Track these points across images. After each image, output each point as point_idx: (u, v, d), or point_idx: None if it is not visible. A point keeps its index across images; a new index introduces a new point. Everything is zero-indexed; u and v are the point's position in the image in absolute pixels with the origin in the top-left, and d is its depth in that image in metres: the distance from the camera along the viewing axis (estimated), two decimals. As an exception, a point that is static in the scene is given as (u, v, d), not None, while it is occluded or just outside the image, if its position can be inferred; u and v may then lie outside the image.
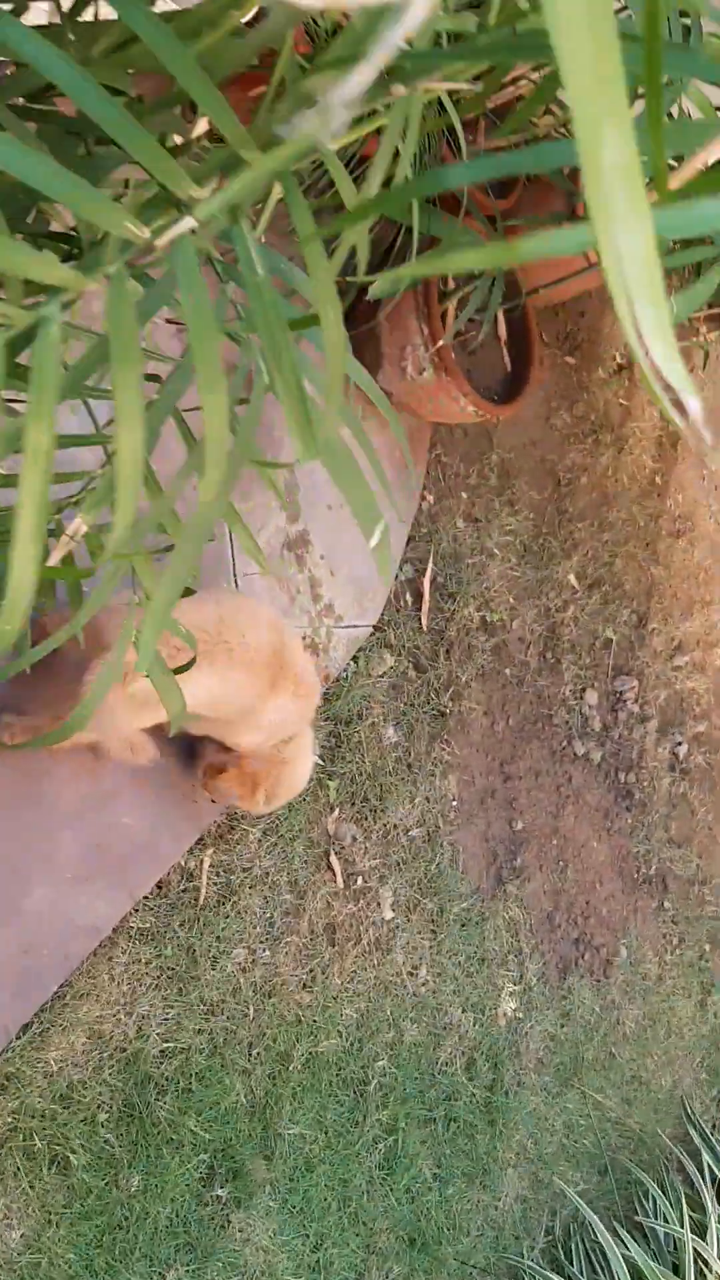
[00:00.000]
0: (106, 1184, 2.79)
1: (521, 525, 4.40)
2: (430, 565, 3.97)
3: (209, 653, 2.44)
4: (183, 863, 3.04)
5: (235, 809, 3.10)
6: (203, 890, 3.08)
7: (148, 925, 2.94)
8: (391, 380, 3.46)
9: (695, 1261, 3.82)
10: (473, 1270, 3.67)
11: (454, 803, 3.97)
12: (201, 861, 3.08)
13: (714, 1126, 4.83)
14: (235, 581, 3.20)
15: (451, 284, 3.43)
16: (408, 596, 3.90)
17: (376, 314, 3.41)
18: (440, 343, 3.17)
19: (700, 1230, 4.07)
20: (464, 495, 4.18)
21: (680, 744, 5.05)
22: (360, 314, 3.52)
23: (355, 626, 3.61)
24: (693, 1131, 4.63)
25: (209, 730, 2.83)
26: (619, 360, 5.13)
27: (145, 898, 2.94)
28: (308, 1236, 3.23)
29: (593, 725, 4.62)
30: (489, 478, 4.30)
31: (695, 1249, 3.83)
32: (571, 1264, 3.94)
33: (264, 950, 3.24)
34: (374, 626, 3.72)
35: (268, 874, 3.28)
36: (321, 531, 3.51)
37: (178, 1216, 2.92)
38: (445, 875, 3.85)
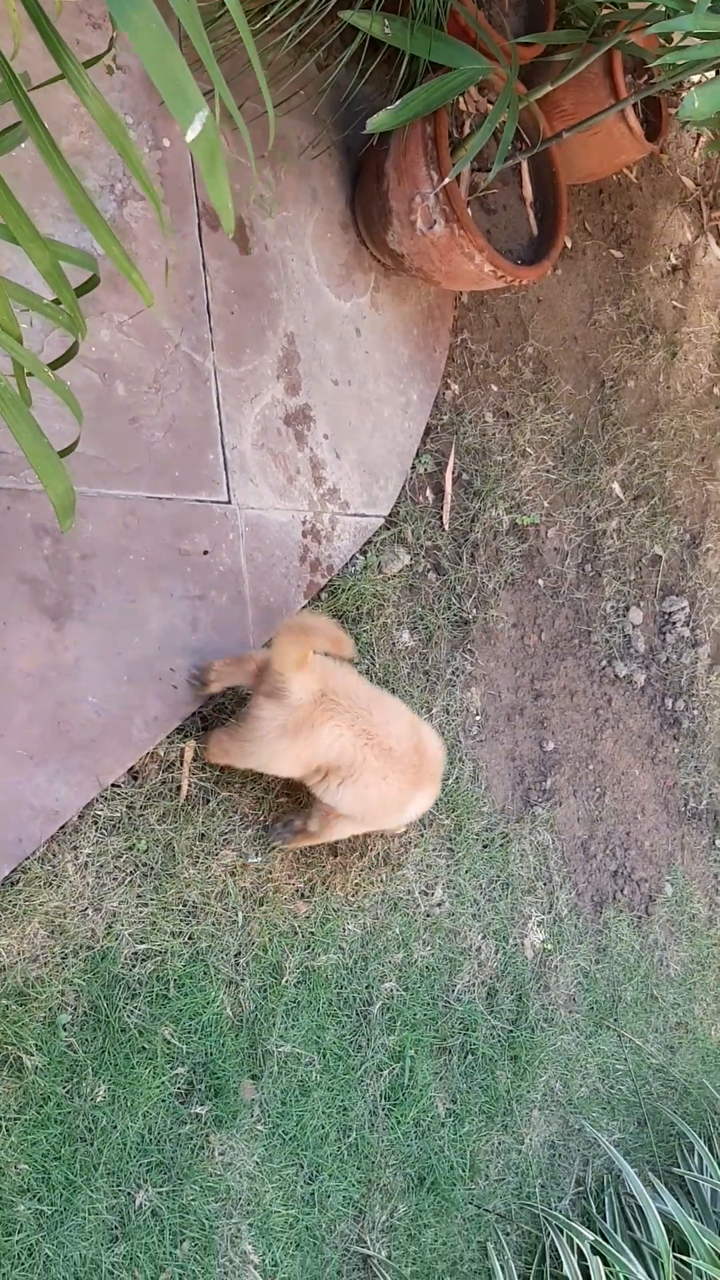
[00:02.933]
0: (67, 1091, 2.56)
1: (559, 424, 4.07)
2: (453, 459, 3.67)
3: (360, 728, 2.64)
4: (161, 753, 2.80)
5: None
6: (184, 784, 2.83)
7: (118, 815, 2.70)
8: (402, 239, 3.16)
9: (741, 1220, 3.49)
10: (490, 1216, 3.39)
11: (477, 717, 3.67)
12: (183, 752, 2.83)
13: (770, 1084, 4.47)
14: (223, 454, 2.94)
15: (466, 129, 3.12)
16: (428, 492, 3.61)
17: (385, 167, 3.11)
18: (447, 179, 2.86)
19: (747, 1187, 3.73)
20: (494, 388, 3.86)
21: (737, 673, 4.67)
22: (369, 171, 3.23)
23: (363, 515, 3.32)
24: (743, 1085, 4.28)
25: (358, 828, 2.94)
26: (673, 260, 4.76)
27: (115, 786, 2.70)
28: (301, 1166, 2.97)
29: (636, 646, 4.28)
30: (523, 371, 3.97)
31: (740, 1206, 3.50)
32: (604, 1218, 3.63)
33: (255, 855, 2.99)
34: (386, 519, 3.43)
35: (260, 776, 3.02)
36: (325, 409, 3.24)
37: (150, 1133, 2.69)
38: (465, 791, 3.55)
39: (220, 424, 2.93)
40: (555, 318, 4.14)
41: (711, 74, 3.14)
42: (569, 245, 4.23)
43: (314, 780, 2.73)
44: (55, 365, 1.82)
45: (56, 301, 1.60)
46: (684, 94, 2.33)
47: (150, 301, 1.38)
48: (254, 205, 3.12)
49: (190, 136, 1.03)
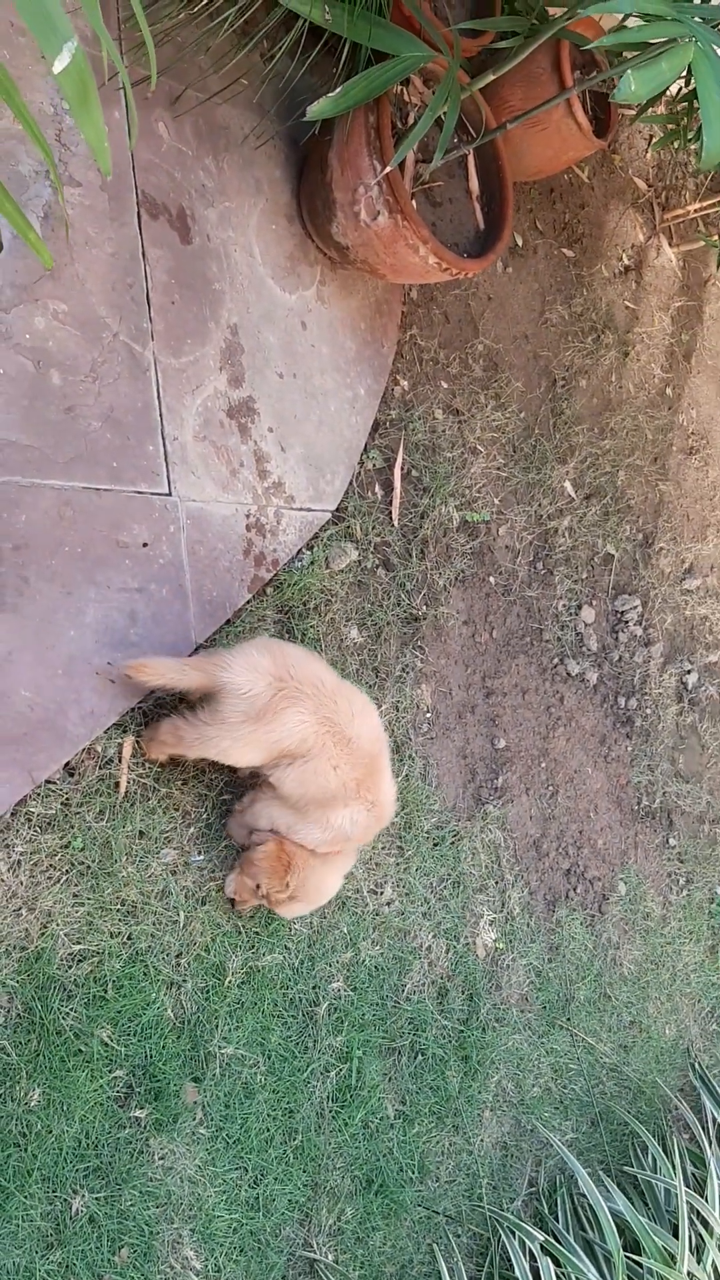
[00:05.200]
0: (0, 1096, 2.50)
1: (510, 422, 4.05)
2: (401, 454, 3.64)
3: (323, 715, 2.62)
4: (99, 749, 2.75)
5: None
6: (123, 781, 2.78)
7: (53, 812, 2.64)
8: (346, 230, 3.13)
9: (693, 1220, 3.46)
10: (440, 1218, 3.34)
11: (427, 714, 3.64)
12: (121, 748, 2.78)
13: (725, 1083, 4.46)
14: (164, 445, 2.90)
15: (411, 120, 3.10)
16: (376, 487, 3.58)
17: (328, 158, 3.08)
18: (389, 168, 2.84)
19: (699, 1186, 3.71)
20: (444, 384, 3.84)
21: (689, 672, 4.67)
22: (313, 161, 3.20)
23: (310, 510, 3.29)
24: (697, 1083, 4.26)
25: (284, 816, 2.80)
26: (625, 261, 4.77)
27: (50, 782, 2.64)
28: (245, 1170, 2.92)
29: (589, 644, 4.26)
30: (473, 368, 3.96)
31: (692, 1205, 3.47)
32: (556, 1219, 3.60)
33: (198, 854, 2.94)
34: (333, 514, 3.40)
35: (204, 771, 2.97)
36: (270, 401, 3.20)
37: (87, 1137, 2.63)
38: (415, 789, 3.52)
39: (160, 415, 2.89)
40: (506, 315, 4.12)
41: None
42: (520, 243, 4.22)
43: (270, 766, 2.71)
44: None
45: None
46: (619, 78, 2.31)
47: (49, 264, 1.34)
48: (195, 195, 3.08)
49: (58, 68, 0.98)
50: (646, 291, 4.89)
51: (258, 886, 2.78)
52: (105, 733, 2.74)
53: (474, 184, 3.31)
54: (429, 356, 3.80)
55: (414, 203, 3.09)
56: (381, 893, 3.38)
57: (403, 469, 3.64)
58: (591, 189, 4.64)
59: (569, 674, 4.16)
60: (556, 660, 4.13)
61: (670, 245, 4.94)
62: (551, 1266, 3.17)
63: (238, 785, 3.00)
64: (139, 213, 2.89)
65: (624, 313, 4.71)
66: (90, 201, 2.79)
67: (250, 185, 3.20)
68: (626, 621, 4.44)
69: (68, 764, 2.67)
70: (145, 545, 2.83)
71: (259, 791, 2.82)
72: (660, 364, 4.86)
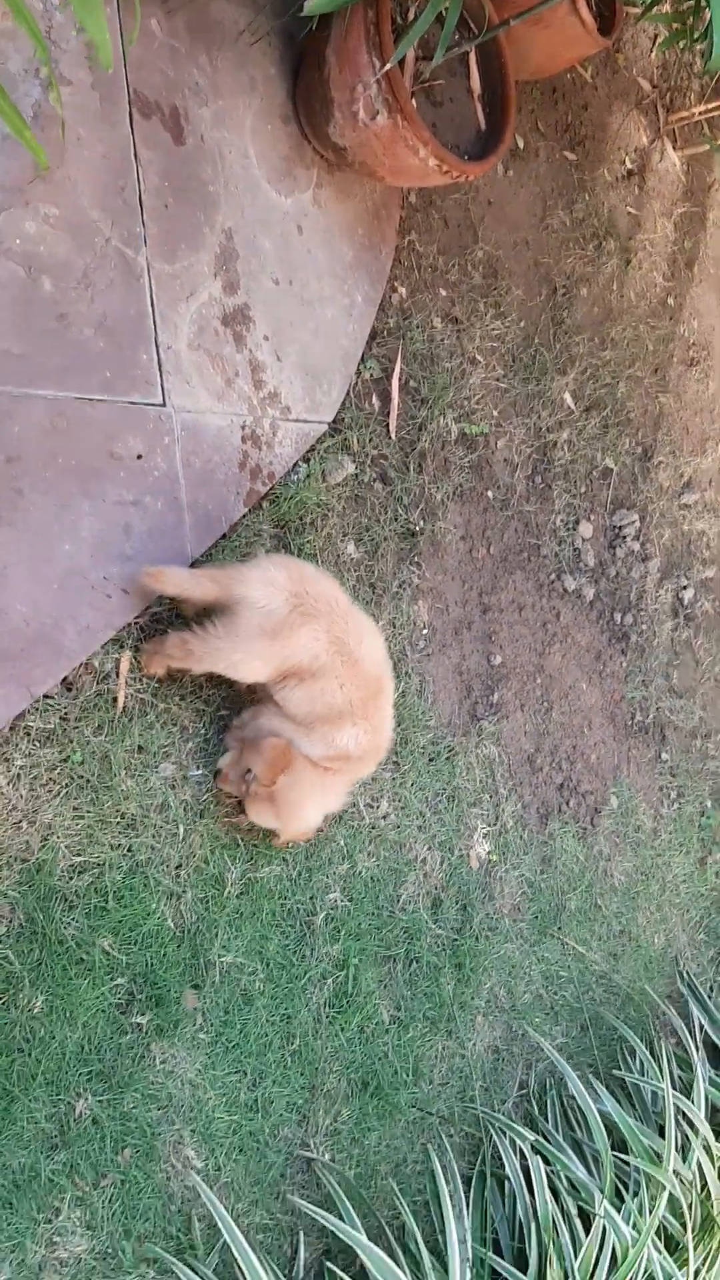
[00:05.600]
0: (3, 1003, 2.54)
1: (509, 331, 3.97)
2: (399, 364, 3.57)
3: (335, 634, 2.63)
4: (96, 664, 2.74)
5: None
6: (121, 696, 2.77)
7: (51, 727, 2.64)
8: (344, 131, 3.03)
9: (679, 1121, 3.57)
10: (434, 1118, 3.44)
11: (424, 631, 3.63)
12: (119, 663, 2.77)
13: (712, 989, 4.56)
14: (157, 354, 2.83)
15: (411, 16, 2.98)
16: (373, 398, 3.52)
17: (326, 54, 2.97)
18: (389, 65, 2.73)
19: (686, 1089, 3.82)
20: (442, 292, 3.76)
21: (685, 588, 4.66)
22: (310, 59, 3.08)
23: (306, 421, 3.24)
24: (685, 990, 4.36)
25: (285, 731, 2.79)
26: (628, 165, 4.63)
27: (48, 697, 2.64)
28: (244, 1073, 2.99)
29: (586, 560, 4.24)
30: (472, 275, 3.86)
31: (679, 1106, 3.57)
32: (545, 1119, 3.70)
33: (196, 768, 2.95)
34: (330, 425, 3.34)
35: (201, 687, 2.97)
36: (265, 309, 3.12)
37: (90, 1043, 2.68)
38: (411, 705, 3.53)
39: (154, 323, 2.82)
40: (506, 221, 4.02)
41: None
42: (521, 146, 4.09)
43: (276, 682, 2.70)
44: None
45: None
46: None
47: (45, 165, 1.29)
48: (188, 94, 2.97)
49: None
50: (649, 197, 4.76)
51: (248, 772, 2.77)
52: (102, 648, 2.72)
53: (475, 83, 3.19)
54: (427, 263, 3.71)
55: (414, 102, 2.99)
56: (377, 807, 3.41)
57: (400, 379, 3.57)
58: (595, 90, 4.49)
59: (566, 590, 4.15)
60: (554, 576, 4.11)
61: (674, 149, 4.80)
62: (541, 1165, 3.27)
63: (236, 701, 3.00)
64: (131, 112, 2.79)
65: (626, 219, 4.59)
66: (81, 100, 2.69)
67: (245, 84, 3.08)
68: (624, 537, 4.42)
69: (65, 679, 2.66)
70: (140, 457, 2.78)
71: (259, 707, 2.82)
72: (662, 272, 4.75)
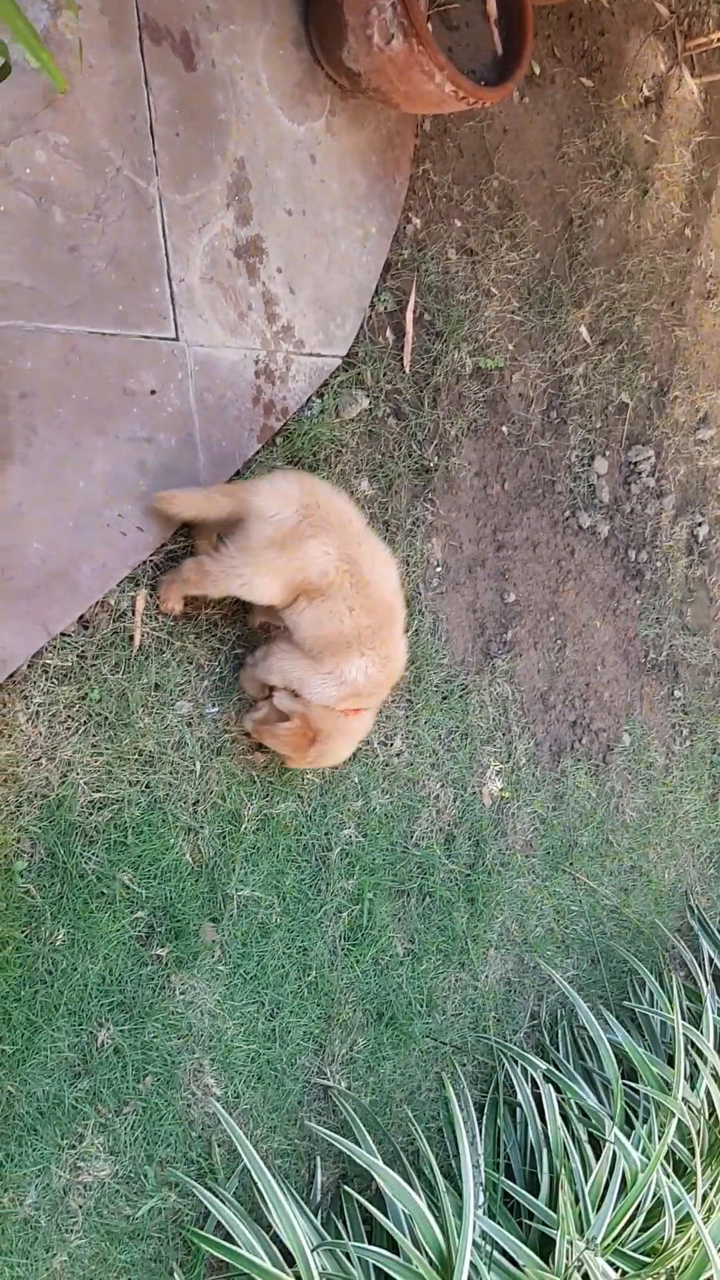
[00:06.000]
0: (26, 936, 2.58)
1: (525, 263, 3.90)
2: (414, 297, 3.52)
3: (346, 552, 2.63)
4: (112, 601, 2.74)
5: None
6: (137, 634, 2.78)
7: (69, 665, 2.65)
8: (358, 56, 2.95)
9: (688, 1050, 3.62)
10: (447, 1048, 3.50)
11: (438, 569, 3.62)
12: (134, 601, 2.77)
13: (721, 924, 4.62)
14: (170, 287, 2.79)
15: (427, -70, 2.89)
16: (388, 332, 3.47)
17: (340, -27, 2.89)
18: (404, -15, 2.66)
19: (695, 1020, 3.87)
20: (457, 223, 3.69)
21: (700, 524, 4.63)
22: (323, -22, 3.00)
23: (319, 355, 3.20)
24: (695, 924, 4.41)
25: (297, 668, 2.77)
26: (646, 92, 4.51)
27: (65, 635, 2.65)
28: (262, 1004, 3.04)
29: (601, 496, 4.21)
30: (487, 205, 3.79)
31: (688, 1036, 3.63)
32: (557, 1049, 3.77)
33: (212, 706, 2.96)
34: (344, 360, 3.30)
35: (216, 625, 2.97)
36: (279, 241, 3.07)
37: (110, 974, 2.72)
38: (424, 643, 3.53)
39: (166, 255, 2.78)
40: (522, 149, 3.93)
41: None
42: (537, 72, 3.99)
43: (287, 606, 2.71)
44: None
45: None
46: None
47: (63, 87, 1.26)
48: (199, 18, 2.89)
49: None
50: (667, 125, 4.65)
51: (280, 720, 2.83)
52: (118, 586, 2.72)
53: (492, 7, 3.10)
54: (442, 193, 3.64)
55: (430, 26, 2.91)
56: (391, 744, 3.42)
57: (415, 312, 3.52)
58: (612, 14, 4.36)
59: (580, 527, 4.13)
60: (568, 513, 4.08)
61: (692, 76, 4.67)
62: (553, 1093, 3.33)
63: (250, 640, 3.00)
64: (141, 37, 2.72)
65: (643, 147, 4.49)
66: (90, 25, 2.62)
67: (257, 7, 3.00)
68: (639, 473, 4.38)
69: (82, 617, 2.67)
70: (153, 393, 2.76)
71: (272, 644, 2.82)
72: (680, 202, 4.65)
